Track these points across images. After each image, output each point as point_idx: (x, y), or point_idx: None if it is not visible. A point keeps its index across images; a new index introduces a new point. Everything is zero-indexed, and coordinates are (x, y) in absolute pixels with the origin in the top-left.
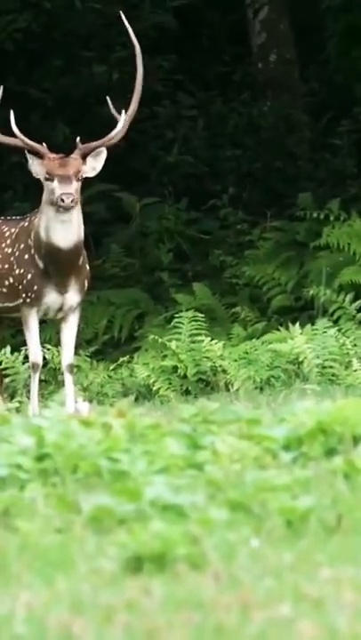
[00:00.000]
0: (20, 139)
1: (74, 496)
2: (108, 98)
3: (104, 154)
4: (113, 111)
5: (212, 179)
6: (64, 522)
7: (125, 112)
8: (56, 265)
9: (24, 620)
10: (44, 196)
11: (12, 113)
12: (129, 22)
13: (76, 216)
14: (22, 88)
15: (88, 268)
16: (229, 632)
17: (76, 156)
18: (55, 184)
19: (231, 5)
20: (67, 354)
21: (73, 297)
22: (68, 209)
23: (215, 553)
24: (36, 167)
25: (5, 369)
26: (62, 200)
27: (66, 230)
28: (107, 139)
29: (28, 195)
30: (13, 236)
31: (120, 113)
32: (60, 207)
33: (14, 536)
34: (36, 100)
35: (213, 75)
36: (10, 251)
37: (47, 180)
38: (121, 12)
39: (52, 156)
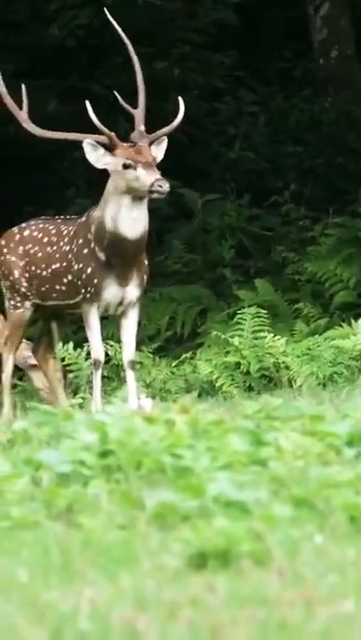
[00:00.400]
0: (98, 127)
1: (137, 492)
2: (116, 93)
3: (165, 142)
4: (124, 105)
5: (274, 175)
6: (127, 518)
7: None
8: (120, 256)
9: (88, 616)
10: (112, 186)
11: (88, 105)
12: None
13: (145, 206)
14: (84, 84)
15: (147, 263)
16: (293, 628)
17: (144, 143)
18: (140, 171)
19: (292, 1)
20: (128, 350)
21: (133, 291)
22: (163, 194)
23: (279, 549)
24: (106, 157)
25: (68, 365)
26: (160, 186)
27: (134, 220)
28: (170, 127)
29: (91, 191)
30: (71, 233)
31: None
32: (155, 193)
33: (78, 532)
34: (98, 96)
35: (274, 71)
36: (68, 248)
37: (126, 167)
38: (105, 10)
39: (126, 144)
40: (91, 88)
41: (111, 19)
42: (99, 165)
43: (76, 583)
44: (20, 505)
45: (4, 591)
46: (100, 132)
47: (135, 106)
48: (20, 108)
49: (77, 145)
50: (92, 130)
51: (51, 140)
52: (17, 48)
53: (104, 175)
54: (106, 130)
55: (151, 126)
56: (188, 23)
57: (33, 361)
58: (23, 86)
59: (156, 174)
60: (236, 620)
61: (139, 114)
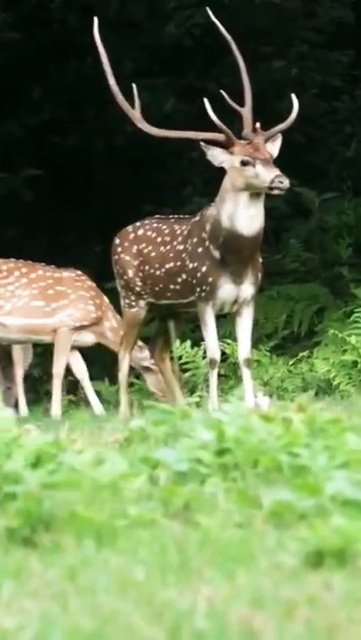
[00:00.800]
0: (216, 124)
1: (254, 491)
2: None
3: (280, 140)
4: (232, 104)
5: None
6: (244, 517)
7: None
8: (235, 254)
9: (205, 614)
10: (229, 184)
11: (206, 102)
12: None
13: (262, 203)
14: (201, 83)
15: (261, 261)
16: None
17: (260, 140)
18: (259, 168)
19: None
20: (243, 348)
21: (247, 289)
22: (283, 190)
23: None
24: (222, 155)
25: (185, 363)
26: (281, 182)
27: (252, 217)
28: (284, 125)
29: (207, 190)
30: (185, 232)
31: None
32: (275, 189)
33: (195, 531)
34: (215, 95)
35: None
36: (182, 247)
37: (245, 164)
38: (208, 9)
39: (242, 141)
40: (207, 87)
41: (213, 18)
42: (216, 163)
43: (192, 582)
44: (138, 503)
45: (121, 590)
46: (217, 130)
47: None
48: (133, 107)
49: (195, 144)
50: (210, 128)
51: (166, 138)
52: (134, 47)
53: (220, 174)
54: (224, 127)
55: (269, 124)
56: (306, 22)
57: (146, 363)
58: (134, 86)
59: (276, 171)
60: (353, 618)
61: (246, 113)
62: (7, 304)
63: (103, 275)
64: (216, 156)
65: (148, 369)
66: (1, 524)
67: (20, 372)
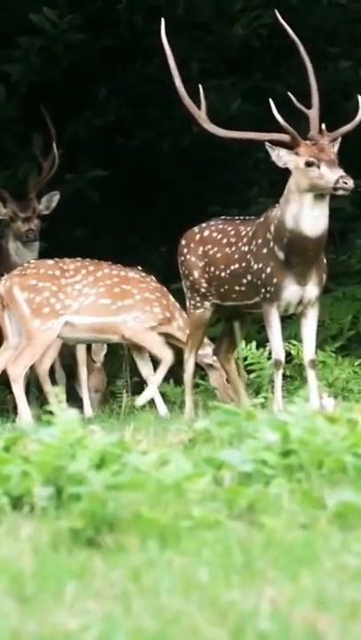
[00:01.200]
0: (282, 125)
1: (319, 492)
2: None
3: (339, 140)
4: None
5: None
6: (309, 518)
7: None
8: (300, 254)
9: (269, 615)
10: (293, 185)
11: (272, 103)
12: None
13: (327, 204)
14: (268, 84)
15: (326, 262)
16: None
17: (326, 141)
18: (324, 169)
19: None
20: (308, 349)
21: (312, 290)
22: (347, 191)
23: None
24: (286, 156)
25: (251, 364)
26: (345, 182)
27: (316, 218)
28: (350, 126)
29: (273, 191)
30: (250, 234)
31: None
32: (340, 190)
33: (259, 532)
34: (282, 96)
35: None
36: (247, 249)
37: (309, 165)
38: (276, 12)
39: (307, 142)
40: (274, 87)
41: (281, 19)
42: (280, 164)
43: (256, 583)
44: (202, 504)
45: (184, 591)
46: (283, 131)
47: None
48: (200, 108)
49: (261, 145)
50: (276, 129)
51: (232, 139)
52: (201, 48)
53: (286, 175)
54: (289, 128)
55: (335, 125)
56: None
57: (209, 360)
58: (200, 87)
59: (340, 171)
60: None
61: (313, 114)
62: (75, 303)
63: (169, 275)
64: (281, 156)
65: (210, 366)
66: (65, 525)
67: (83, 373)
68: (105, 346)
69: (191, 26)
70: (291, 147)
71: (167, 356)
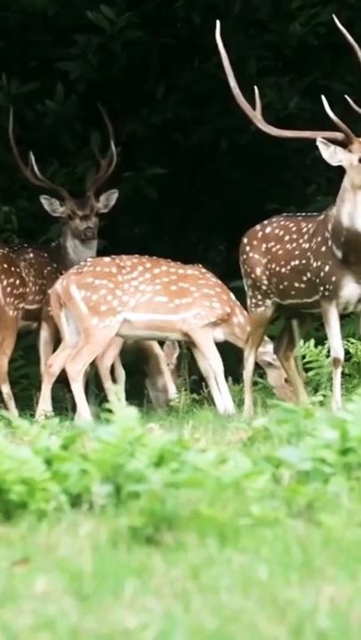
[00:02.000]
0: (336, 123)
1: None
2: None
3: None
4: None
5: None
6: None
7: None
8: (357, 252)
9: (328, 613)
10: (348, 183)
11: (325, 100)
12: None
13: None
14: (326, 82)
15: None
16: None
17: None
18: None
19: None
20: None
21: None
22: None
23: None
24: (340, 154)
25: (309, 362)
26: None
27: None
28: None
29: (331, 188)
30: (311, 231)
31: None
32: None
33: (318, 530)
34: (340, 94)
35: None
36: (307, 246)
37: None
38: (334, 16)
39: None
40: (332, 85)
41: (336, 20)
42: (333, 162)
43: (316, 581)
44: (261, 502)
45: (244, 588)
46: (338, 129)
47: None
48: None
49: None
50: (334, 127)
51: (286, 138)
52: (259, 46)
53: (344, 173)
54: (343, 125)
55: None
56: None
57: (268, 358)
58: (255, 87)
59: None
60: None
61: None
62: (131, 299)
63: (228, 273)
64: (335, 154)
65: (269, 364)
66: (124, 523)
67: (165, 366)
68: (177, 348)
69: (249, 24)
70: (345, 144)
71: (216, 362)
